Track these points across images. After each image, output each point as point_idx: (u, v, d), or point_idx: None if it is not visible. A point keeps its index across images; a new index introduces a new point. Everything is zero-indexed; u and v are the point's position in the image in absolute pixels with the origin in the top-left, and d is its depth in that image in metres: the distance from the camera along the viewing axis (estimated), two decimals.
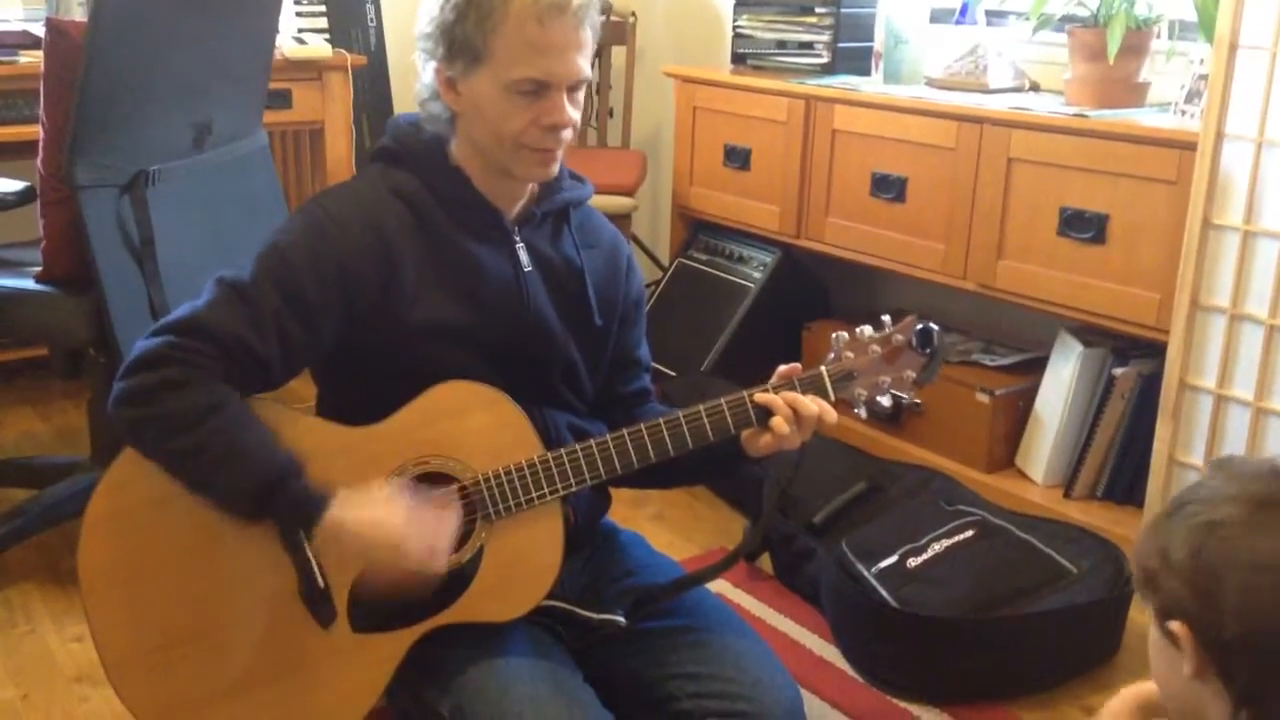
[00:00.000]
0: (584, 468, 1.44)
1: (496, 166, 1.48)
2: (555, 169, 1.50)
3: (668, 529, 2.65)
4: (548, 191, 1.56)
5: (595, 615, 1.51)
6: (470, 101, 1.44)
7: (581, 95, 1.47)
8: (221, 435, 1.34)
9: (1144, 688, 1.15)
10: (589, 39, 1.43)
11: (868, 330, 1.50)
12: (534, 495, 1.43)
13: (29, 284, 2.21)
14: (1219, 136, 2.12)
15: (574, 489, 1.46)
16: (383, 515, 1.36)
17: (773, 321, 3.15)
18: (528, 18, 1.38)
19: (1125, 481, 2.52)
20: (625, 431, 1.45)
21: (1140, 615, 2.27)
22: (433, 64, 1.45)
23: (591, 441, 1.45)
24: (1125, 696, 1.17)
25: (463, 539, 1.43)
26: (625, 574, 1.61)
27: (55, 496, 2.38)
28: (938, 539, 2.21)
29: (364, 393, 1.45)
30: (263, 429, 1.38)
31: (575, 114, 1.45)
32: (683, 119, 3.33)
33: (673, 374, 3.08)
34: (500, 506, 1.43)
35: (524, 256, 1.52)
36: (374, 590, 1.42)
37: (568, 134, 1.46)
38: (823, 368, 1.49)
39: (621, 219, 3.30)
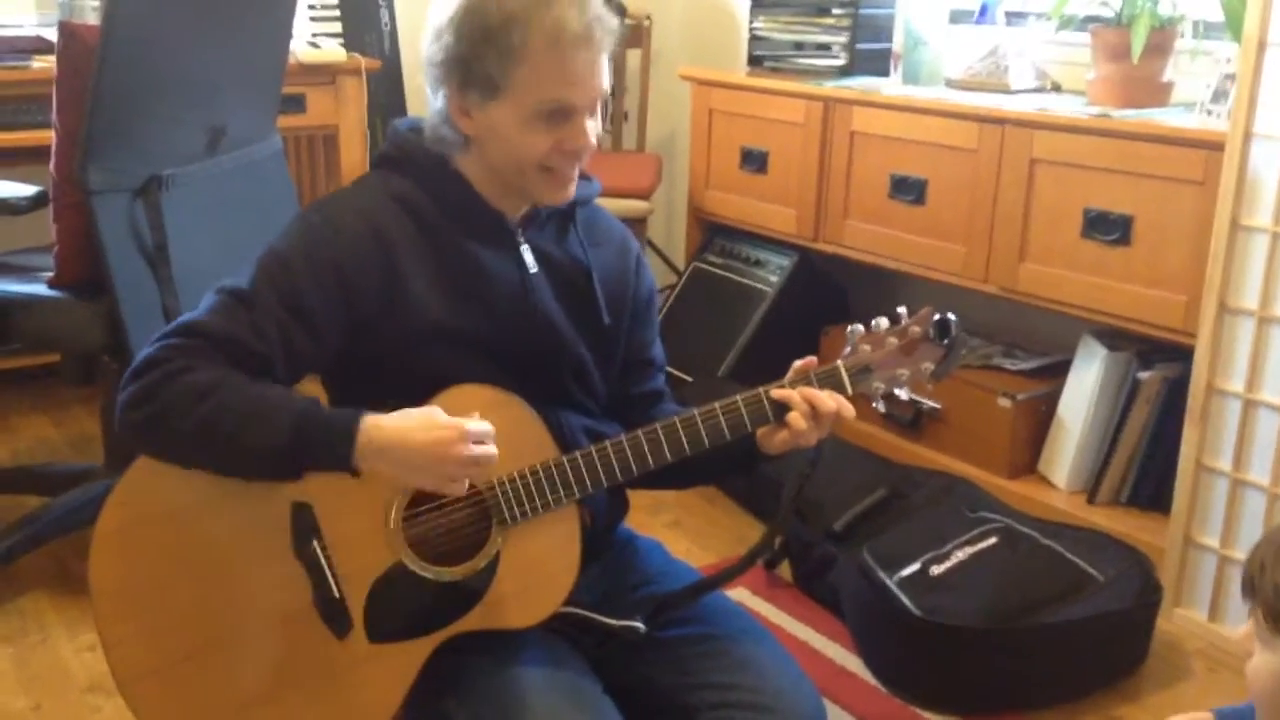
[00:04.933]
0: (599, 470, 1.42)
1: (511, 188, 1.47)
2: (573, 191, 1.48)
3: (685, 536, 2.62)
4: None
5: (614, 622, 1.49)
6: (486, 127, 1.42)
7: (599, 107, 1.45)
8: (232, 400, 1.31)
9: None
10: (607, 61, 1.42)
11: (884, 323, 1.48)
12: (550, 499, 1.41)
13: (42, 289, 2.19)
14: (1247, 136, 2.09)
15: (590, 492, 1.43)
16: (422, 420, 1.32)
17: (790, 326, 3.12)
18: (549, 52, 1.36)
19: (1151, 487, 2.49)
20: (641, 432, 1.43)
21: (1168, 624, 2.23)
22: (444, 91, 1.43)
23: (607, 443, 1.43)
24: None
25: (478, 545, 1.41)
26: (643, 581, 1.58)
27: (68, 504, 2.36)
28: (960, 546, 2.18)
29: (374, 397, 1.43)
30: (268, 385, 1.34)
31: (597, 130, 1.43)
32: (699, 122, 3.31)
33: (689, 379, 3.06)
34: (516, 511, 1.41)
35: (529, 258, 1.51)
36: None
37: (588, 155, 1.45)
38: (839, 362, 1.47)
39: (637, 223, 3.28)
